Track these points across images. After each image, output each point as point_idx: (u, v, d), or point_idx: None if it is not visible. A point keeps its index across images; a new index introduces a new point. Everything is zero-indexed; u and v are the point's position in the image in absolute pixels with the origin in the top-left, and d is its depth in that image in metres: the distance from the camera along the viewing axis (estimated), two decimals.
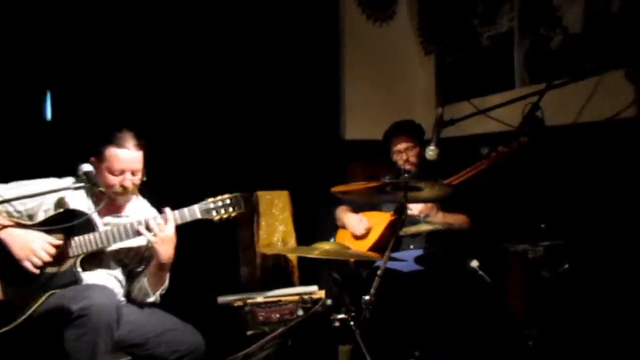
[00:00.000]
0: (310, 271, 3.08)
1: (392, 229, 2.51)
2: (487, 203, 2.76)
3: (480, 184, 2.54)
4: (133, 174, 2.02)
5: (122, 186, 2.01)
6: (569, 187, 2.63)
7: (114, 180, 1.99)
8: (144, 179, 2.09)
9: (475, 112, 2.35)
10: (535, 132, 2.24)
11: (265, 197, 3.23)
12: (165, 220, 2.01)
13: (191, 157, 3.25)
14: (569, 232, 2.33)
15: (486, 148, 2.42)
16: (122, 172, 2.00)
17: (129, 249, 2.10)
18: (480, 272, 2.26)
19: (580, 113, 2.56)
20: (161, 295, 2.14)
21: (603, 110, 2.43)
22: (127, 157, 1.98)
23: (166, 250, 2.01)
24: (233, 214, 2.08)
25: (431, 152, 2.14)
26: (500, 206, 2.85)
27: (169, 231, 2.03)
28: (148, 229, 2.00)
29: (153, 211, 2.16)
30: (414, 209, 2.51)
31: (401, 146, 2.77)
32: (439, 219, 2.53)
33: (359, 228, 2.65)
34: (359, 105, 3.73)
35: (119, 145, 1.98)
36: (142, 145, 2.04)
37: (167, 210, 2.05)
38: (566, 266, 2.20)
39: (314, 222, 3.23)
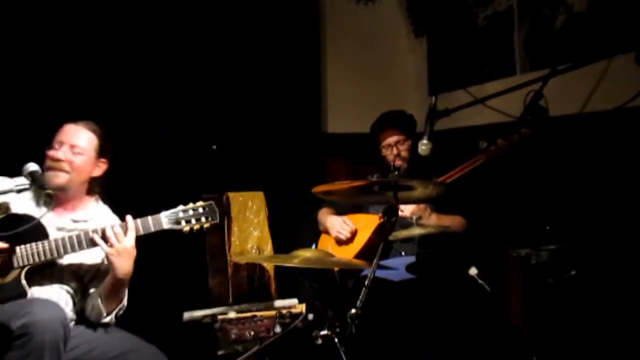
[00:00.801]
0: (289, 282, 3.12)
1: (381, 233, 2.55)
2: (486, 203, 2.79)
3: (477, 181, 2.57)
4: (73, 151, 2.00)
5: (53, 158, 1.97)
6: (576, 183, 2.64)
7: (50, 153, 1.98)
8: (101, 174, 2.07)
9: (472, 102, 2.33)
10: (538, 122, 2.25)
11: (237, 199, 3.21)
12: (125, 230, 1.97)
13: (154, 156, 3.26)
14: (575, 235, 2.37)
15: (485, 141, 2.45)
16: (61, 145, 1.98)
17: (82, 262, 2.05)
18: (479, 281, 2.28)
19: (587, 101, 2.59)
20: (118, 316, 2.09)
21: (612, 99, 2.46)
22: (69, 129, 2.00)
23: (123, 264, 1.96)
24: (206, 225, 2.05)
25: (424, 146, 2.12)
26: (499, 206, 2.87)
27: (128, 242, 1.98)
28: (104, 238, 1.94)
29: (114, 219, 2.13)
30: (406, 210, 2.54)
31: (390, 140, 2.79)
32: (433, 221, 2.56)
33: (343, 231, 2.68)
34: (342, 95, 3.73)
35: (69, 122, 2.01)
36: (95, 130, 2.03)
37: (129, 218, 2.01)
38: (573, 272, 2.22)
39: (293, 227, 3.25)
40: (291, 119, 3.53)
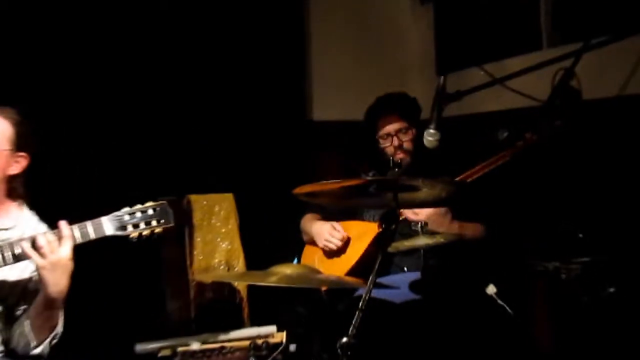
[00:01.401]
0: (266, 306, 3.11)
1: (379, 244, 2.45)
2: (506, 205, 2.81)
3: (497, 180, 2.60)
4: None
5: None
6: (614, 182, 2.64)
7: None
8: (19, 171, 2.06)
9: (489, 82, 2.33)
10: (569, 107, 2.27)
11: (200, 203, 3.22)
12: (60, 238, 1.95)
13: (95, 149, 3.26)
14: (614, 244, 2.38)
15: (504, 131, 2.46)
16: None
17: (4, 280, 2.04)
18: (499, 301, 2.31)
19: (627, 82, 2.60)
20: (52, 345, 2.07)
21: None
22: None
23: (58, 279, 1.92)
24: (157, 230, 2.04)
25: (430, 137, 2.13)
26: (522, 210, 2.90)
27: (64, 252, 1.95)
28: (35, 248, 1.92)
29: (43, 227, 2.13)
30: (420, 214, 2.57)
31: (390, 128, 2.81)
32: (446, 227, 2.58)
33: (332, 240, 2.71)
34: (331, 75, 3.77)
35: None
36: (11, 117, 2.03)
37: (63, 224, 1.98)
38: (611, 290, 2.24)
39: (270, 237, 3.27)
40: (269, 105, 3.59)
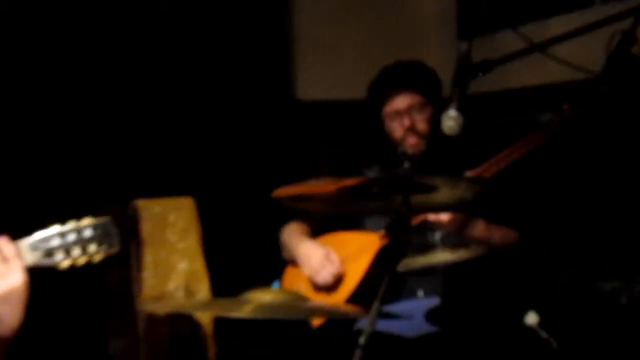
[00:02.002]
0: (238, 344, 3.13)
1: (385, 261, 2.57)
2: (546, 208, 2.83)
3: (531, 174, 2.62)
4: None
5: None
6: None
7: None
8: None
9: (527, 49, 2.33)
10: (628, 80, 2.27)
11: (151, 210, 3.19)
12: (4, 260, 1.94)
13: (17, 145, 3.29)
14: None
15: (548, 113, 2.51)
16: None
17: None
18: (542, 333, 2.34)
19: None
20: None
21: None
22: None
23: (9, 314, 1.93)
24: (97, 257, 2.03)
25: (451, 120, 2.15)
26: (568, 213, 2.94)
27: (15, 279, 1.94)
28: None
29: None
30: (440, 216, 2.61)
31: (400, 103, 2.83)
32: (468, 229, 2.61)
33: (322, 274, 2.73)
34: (319, 42, 3.80)
35: None
36: None
37: (3, 242, 1.93)
38: None
39: (243, 254, 3.29)
40: (241, 81, 3.64)
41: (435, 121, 2.77)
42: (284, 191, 2.10)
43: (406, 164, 2.75)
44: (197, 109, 3.63)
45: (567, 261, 2.69)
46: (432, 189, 2.07)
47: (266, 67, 3.76)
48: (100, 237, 2.02)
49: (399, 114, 2.83)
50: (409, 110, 2.81)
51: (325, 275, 2.73)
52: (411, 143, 2.79)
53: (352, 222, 2.85)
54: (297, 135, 3.76)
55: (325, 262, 2.73)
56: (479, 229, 2.65)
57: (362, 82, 2.98)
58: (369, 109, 2.91)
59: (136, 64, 3.53)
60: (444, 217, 2.58)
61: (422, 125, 2.82)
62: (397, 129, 2.83)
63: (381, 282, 1.99)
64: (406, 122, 2.81)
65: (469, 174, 2.57)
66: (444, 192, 2.12)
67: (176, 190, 3.29)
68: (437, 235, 2.66)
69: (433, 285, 2.72)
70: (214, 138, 3.65)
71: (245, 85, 3.72)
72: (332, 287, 2.74)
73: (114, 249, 2.04)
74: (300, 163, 3.73)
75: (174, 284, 3.17)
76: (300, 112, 3.78)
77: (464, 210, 2.61)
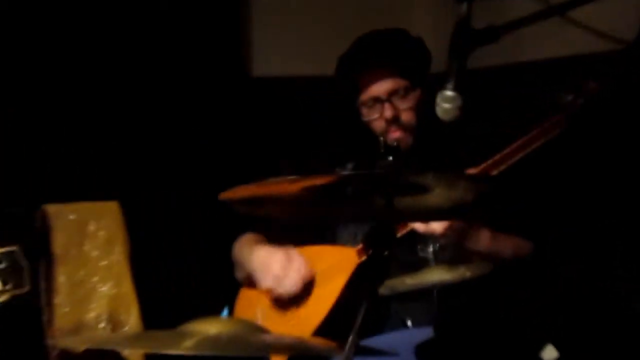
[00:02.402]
0: None
1: (364, 282, 2.43)
2: (567, 210, 2.88)
3: (549, 169, 2.66)
4: None
5: None
6: None
7: None
8: None
9: (543, 11, 2.30)
10: None
11: (65, 218, 3.13)
12: None
13: None
14: None
15: (569, 93, 2.51)
16: None
17: None
18: None
19: None
20: None
21: None
22: None
23: None
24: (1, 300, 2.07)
25: (447, 102, 2.10)
26: (594, 216, 2.97)
27: None
28: None
29: None
30: (433, 226, 2.61)
31: (379, 88, 2.85)
32: (471, 240, 2.63)
33: (287, 279, 2.75)
34: (279, 9, 3.86)
35: None
36: None
37: None
38: None
39: (183, 273, 3.32)
40: (183, 53, 3.74)
41: (424, 107, 2.82)
42: (233, 193, 2.07)
43: (389, 159, 2.70)
44: (130, 88, 3.67)
45: (593, 278, 2.76)
46: (423, 189, 2.05)
47: (213, 37, 3.88)
48: (5, 273, 2.04)
49: (378, 101, 2.84)
50: (390, 97, 2.83)
51: (289, 282, 2.74)
52: (394, 137, 2.80)
53: (321, 233, 2.88)
54: (252, 120, 3.86)
55: (288, 265, 2.76)
56: (483, 240, 2.66)
57: (330, 54, 2.98)
58: (339, 94, 2.95)
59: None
60: (438, 226, 2.56)
61: (407, 115, 2.84)
62: (376, 120, 2.86)
63: (359, 308, 1.97)
64: (388, 111, 2.82)
65: (470, 170, 2.58)
66: (439, 194, 2.09)
67: (97, 192, 3.31)
68: (430, 249, 2.66)
69: (424, 312, 2.70)
70: (149, 123, 3.68)
71: (190, 57, 3.83)
72: (299, 306, 2.78)
73: (23, 290, 2.09)
74: (256, 157, 3.78)
75: (95, 312, 3.12)
76: (255, 91, 3.88)
77: (464, 216, 2.56)
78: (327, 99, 3.05)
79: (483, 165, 2.58)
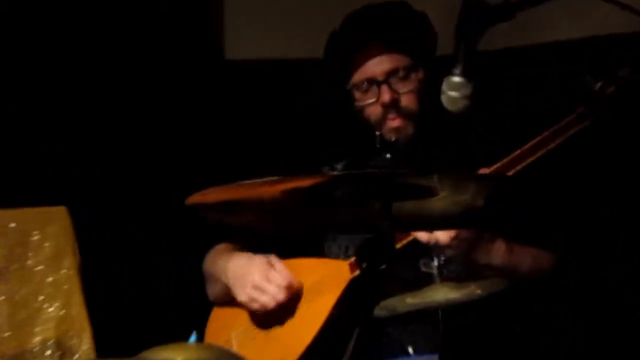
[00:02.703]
0: None
1: (357, 302, 2.58)
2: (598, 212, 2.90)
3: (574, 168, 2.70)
4: None
5: None
6: None
7: None
8: None
9: None
10: None
11: (4, 226, 3.12)
12: None
13: None
14: None
15: (597, 80, 2.49)
16: None
17: None
18: None
19: None
20: None
21: None
22: None
23: None
24: None
25: (454, 90, 2.16)
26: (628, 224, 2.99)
27: None
28: None
29: None
30: (438, 236, 2.59)
31: (374, 68, 2.85)
32: (491, 259, 2.64)
33: (268, 290, 2.77)
34: None
35: None
36: None
37: None
38: None
39: (143, 291, 3.31)
40: (151, 39, 3.84)
41: (428, 93, 2.78)
42: (203, 196, 2.06)
43: (387, 157, 2.73)
44: (81, 73, 3.77)
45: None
46: (426, 192, 2.04)
47: (186, 21, 3.97)
48: None
49: (373, 83, 2.82)
50: (388, 78, 2.81)
51: (271, 291, 2.73)
52: (393, 126, 2.79)
53: (306, 246, 2.88)
54: (225, 109, 3.93)
55: (269, 272, 2.76)
56: (497, 252, 2.65)
57: (309, 36, 3.12)
58: (328, 78, 2.94)
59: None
60: (444, 236, 2.55)
61: (408, 99, 2.82)
62: (371, 106, 2.84)
63: (351, 332, 2.01)
64: (385, 95, 2.80)
65: (482, 170, 2.57)
66: (445, 198, 2.08)
67: (43, 195, 3.32)
68: (434, 263, 2.62)
69: (428, 337, 2.71)
70: (105, 113, 3.73)
71: (155, 38, 3.92)
72: (282, 328, 2.78)
73: None
74: (230, 154, 3.78)
75: (40, 336, 3.08)
76: (228, 75, 3.94)
77: (474, 224, 2.55)
78: (310, 85, 3.11)
79: (497, 164, 2.57)
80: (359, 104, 2.85)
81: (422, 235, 2.56)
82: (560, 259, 2.76)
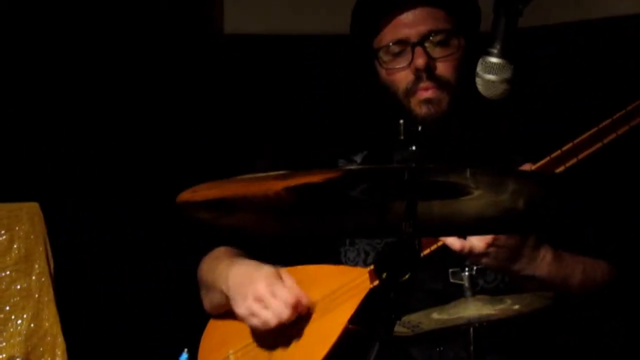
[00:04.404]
0: None
1: (375, 318, 2.30)
2: None
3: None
4: None
5: None
6: None
7: None
8: None
9: None
10: None
11: None
12: None
13: None
14: None
15: None
16: None
17: None
18: None
19: None
20: None
21: None
22: None
23: None
24: None
25: (492, 73, 2.12)
26: None
27: None
28: None
29: None
30: (473, 242, 2.57)
31: (409, 29, 2.84)
32: (534, 270, 2.61)
33: (273, 305, 2.75)
34: None
35: None
36: None
37: None
38: None
39: (127, 302, 3.30)
40: (139, 14, 3.94)
41: (467, 67, 2.73)
42: (193, 194, 2.02)
43: (411, 148, 2.55)
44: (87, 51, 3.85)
45: None
46: (459, 191, 2.02)
47: None
48: None
49: (405, 44, 2.80)
50: (423, 40, 2.78)
51: (276, 307, 2.71)
52: (425, 97, 2.77)
53: (319, 250, 2.90)
54: (223, 90, 3.93)
55: (275, 284, 2.74)
56: (542, 262, 2.63)
57: (316, 9, 3.22)
58: (354, 41, 2.92)
59: None
60: (479, 242, 2.53)
61: (445, 68, 2.80)
62: (401, 72, 2.81)
63: (368, 351, 1.94)
64: (419, 59, 2.76)
65: (525, 166, 2.57)
66: (481, 198, 2.07)
67: (11, 189, 3.33)
68: (465, 273, 2.52)
69: (457, 359, 2.72)
70: (86, 95, 3.79)
71: (158, 18, 4.03)
72: (288, 348, 2.78)
73: None
74: (229, 142, 3.80)
75: (7, 352, 3.10)
76: (227, 51, 3.97)
77: (515, 229, 2.53)
78: (316, 62, 3.14)
79: (545, 160, 2.55)
80: (387, 67, 2.82)
81: (454, 242, 2.53)
82: (618, 271, 2.75)
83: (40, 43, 3.96)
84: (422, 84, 2.76)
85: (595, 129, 2.56)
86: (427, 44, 2.78)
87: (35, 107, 3.90)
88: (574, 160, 2.53)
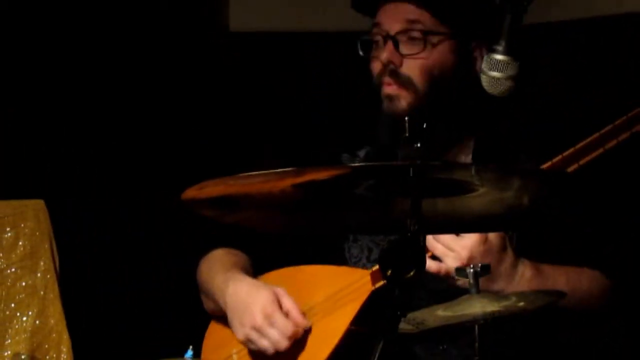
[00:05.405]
0: None
1: (379, 317, 2.36)
2: None
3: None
4: None
5: None
6: None
7: None
8: None
9: None
10: None
11: None
12: None
13: None
14: None
15: None
16: None
17: None
18: None
19: None
20: None
21: None
22: None
23: None
24: None
25: (495, 71, 2.16)
26: None
27: None
28: None
29: None
30: (454, 251, 2.62)
31: (390, 22, 2.86)
32: (524, 285, 2.65)
33: (269, 334, 2.78)
34: None
35: None
36: None
37: None
38: None
39: (132, 300, 3.31)
40: (145, 11, 4.00)
41: (448, 69, 2.81)
42: (198, 190, 2.06)
43: (416, 145, 2.68)
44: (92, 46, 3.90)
45: None
46: (465, 187, 2.06)
47: None
48: None
49: (381, 35, 2.86)
50: (396, 35, 2.83)
51: (273, 338, 2.74)
52: (386, 92, 2.82)
53: (323, 247, 2.90)
54: (227, 88, 3.94)
55: (274, 312, 2.76)
56: (522, 279, 2.68)
57: (321, 6, 3.23)
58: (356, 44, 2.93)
59: None
60: (454, 263, 2.59)
61: (412, 67, 2.82)
62: (375, 63, 2.88)
63: (372, 350, 1.96)
64: (384, 53, 2.82)
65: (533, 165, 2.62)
66: (486, 195, 2.10)
67: (16, 187, 3.37)
68: (470, 270, 2.53)
69: (462, 357, 2.75)
70: (91, 92, 3.83)
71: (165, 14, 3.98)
72: (290, 345, 2.77)
73: None
74: (232, 141, 3.81)
75: (12, 349, 3.11)
76: (232, 49, 3.98)
77: (518, 226, 2.63)
78: (319, 59, 3.15)
79: (546, 164, 2.57)
80: (369, 54, 2.86)
81: (430, 265, 2.55)
82: (614, 275, 2.74)
83: (42, 43, 4.01)
84: (385, 79, 2.80)
85: (597, 134, 2.58)
86: (400, 39, 2.80)
87: (39, 106, 3.93)
88: (575, 166, 2.56)
